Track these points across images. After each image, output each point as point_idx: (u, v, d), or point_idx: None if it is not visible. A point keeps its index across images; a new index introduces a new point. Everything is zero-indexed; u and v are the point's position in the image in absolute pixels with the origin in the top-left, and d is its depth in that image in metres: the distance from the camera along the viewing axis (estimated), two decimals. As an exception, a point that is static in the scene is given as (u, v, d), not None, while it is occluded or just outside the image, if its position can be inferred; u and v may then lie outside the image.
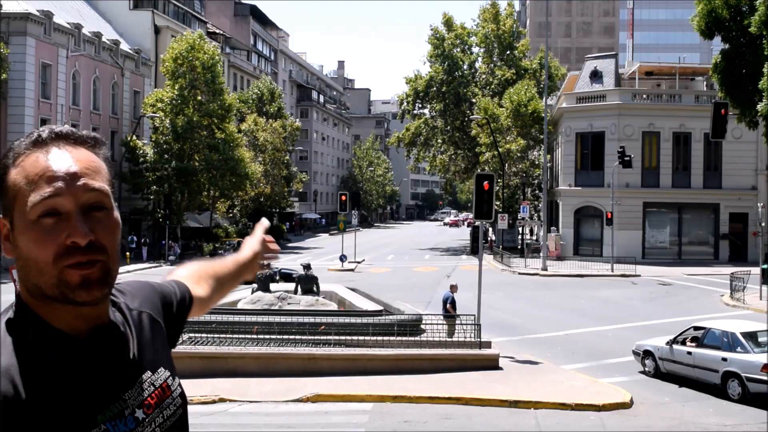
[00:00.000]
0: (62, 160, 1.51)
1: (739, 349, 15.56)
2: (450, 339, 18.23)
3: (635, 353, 18.31)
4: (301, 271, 22.29)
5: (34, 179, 1.49)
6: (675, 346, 16.96)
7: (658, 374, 17.41)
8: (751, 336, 15.89)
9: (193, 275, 2.09)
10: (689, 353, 16.51)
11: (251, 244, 2.31)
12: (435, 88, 64.15)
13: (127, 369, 1.61)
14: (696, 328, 17.23)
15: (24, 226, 1.49)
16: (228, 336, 17.62)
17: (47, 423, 1.45)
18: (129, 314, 1.71)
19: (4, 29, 42.46)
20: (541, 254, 43.24)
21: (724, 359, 15.62)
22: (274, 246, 2.38)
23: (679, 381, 16.86)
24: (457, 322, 18.73)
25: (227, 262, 2.24)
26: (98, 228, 1.50)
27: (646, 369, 17.79)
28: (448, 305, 19.43)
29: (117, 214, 1.58)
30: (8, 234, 1.53)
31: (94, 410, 1.50)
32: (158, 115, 48.43)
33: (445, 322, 18.72)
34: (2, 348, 1.49)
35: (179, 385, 1.72)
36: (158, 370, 1.67)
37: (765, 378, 14.76)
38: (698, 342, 16.54)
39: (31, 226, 1.48)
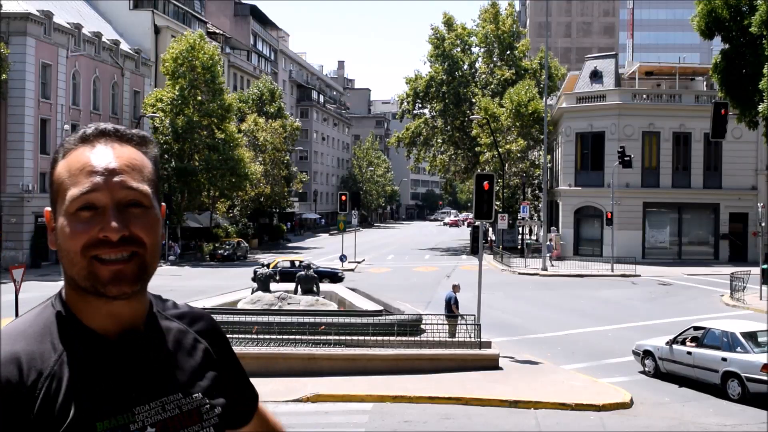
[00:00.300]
0: (104, 156, 1.54)
1: (738, 349, 15.57)
2: (450, 339, 18.23)
3: (635, 353, 18.31)
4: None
5: (75, 173, 1.53)
6: (675, 346, 16.96)
7: (658, 374, 17.41)
8: (751, 336, 15.90)
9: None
10: (689, 353, 16.52)
11: None
12: (435, 88, 64.16)
13: (149, 383, 1.57)
14: (696, 328, 17.24)
15: (62, 218, 1.52)
16: (228, 336, 17.58)
17: (43, 416, 1.44)
18: (177, 333, 1.69)
19: (4, 29, 42.48)
20: (542, 254, 43.25)
21: (724, 359, 15.63)
22: None
23: (679, 381, 16.86)
24: (461, 322, 18.74)
25: None
26: (135, 223, 1.52)
27: (646, 369, 17.78)
28: (452, 305, 19.44)
29: (157, 211, 1.58)
30: (54, 226, 1.56)
31: (95, 415, 1.47)
32: (158, 115, 48.46)
33: (447, 322, 18.71)
34: (22, 335, 1.51)
35: (220, 417, 1.66)
36: (194, 396, 1.62)
37: (765, 378, 14.76)
38: (698, 342, 16.55)
39: (69, 218, 1.51)
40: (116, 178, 1.52)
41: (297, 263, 33.55)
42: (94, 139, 1.58)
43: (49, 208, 1.59)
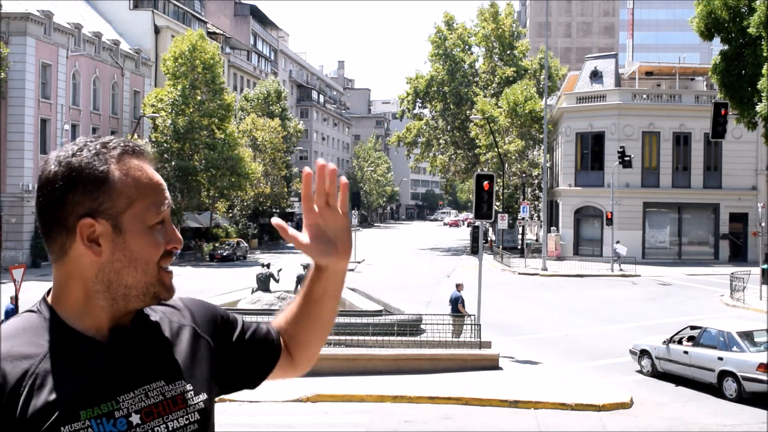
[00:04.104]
0: (154, 172, 1.67)
1: (735, 348, 15.62)
2: (450, 339, 18.24)
3: (632, 353, 18.36)
4: None
5: (146, 190, 1.61)
6: (671, 346, 17.01)
7: (655, 374, 17.44)
8: (747, 335, 15.95)
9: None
10: (685, 352, 16.56)
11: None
12: (436, 88, 64.15)
13: (133, 373, 1.61)
14: (692, 328, 17.29)
15: (141, 231, 1.60)
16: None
17: (27, 413, 1.49)
18: (164, 323, 1.74)
19: (4, 29, 42.47)
20: (542, 254, 43.24)
21: (720, 358, 15.67)
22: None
23: (676, 380, 16.90)
24: (466, 321, 18.75)
25: None
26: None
27: (643, 368, 17.83)
28: (459, 305, 19.46)
29: None
30: (104, 234, 1.57)
31: (79, 405, 1.52)
32: (159, 115, 48.46)
33: (453, 322, 18.70)
34: (9, 337, 1.56)
35: (205, 402, 1.70)
36: (177, 383, 1.66)
37: (761, 377, 14.82)
38: (694, 341, 16.59)
39: (149, 231, 1.61)
40: (167, 194, 1.67)
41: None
42: (138, 154, 1.65)
43: (91, 219, 1.56)
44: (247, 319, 1.97)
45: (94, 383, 1.55)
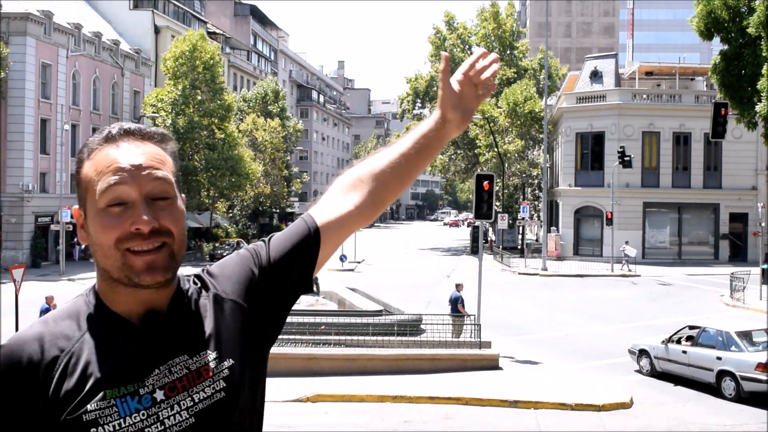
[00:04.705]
0: (129, 153, 1.63)
1: (733, 348, 15.65)
2: (450, 339, 18.24)
3: (631, 352, 18.39)
4: None
5: (103, 170, 1.61)
6: (670, 345, 17.03)
7: (654, 373, 17.46)
8: (746, 335, 15.98)
9: (340, 189, 1.95)
10: (684, 352, 16.59)
11: (444, 100, 1.97)
12: (435, 88, 64.13)
13: (160, 352, 1.64)
14: (691, 327, 17.32)
15: (94, 214, 1.61)
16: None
17: (59, 390, 1.56)
18: (194, 299, 1.74)
19: (4, 29, 42.48)
20: (542, 254, 43.24)
21: (719, 358, 15.70)
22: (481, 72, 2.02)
23: (675, 380, 16.93)
24: (466, 321, 18.75)
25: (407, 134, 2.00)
26: (163, 215, 1.61)
27: (642, 368, 17.85)
28: (459, 305, 19.46)
29: (181, 203, 1.68)
30: (83, 223, 1.66)
31: (105, 384, 1.57)
32: (159, 115, 48.46)
33: (453, 322, 18.71)
34: (54, 319, 1.65)
35: (231, 368, 1.68)
36: (201, 353, 1.66)
37: (759, 377, 14.85)
38: (693, 341, 16.62)
39: (100, 213, 1.60)
40: (143, 172, 1.61)
41: None
42: (118, 138, 1.66)
43: (77, 207, 1.68)
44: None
45: (123, 364, 1.60)
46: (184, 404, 1.61)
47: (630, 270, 40.43)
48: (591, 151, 49.53)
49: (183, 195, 1.72)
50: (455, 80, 1.98)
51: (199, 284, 1.79)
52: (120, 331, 1.63)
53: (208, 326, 1.71)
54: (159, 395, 1.60)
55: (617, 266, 40.75)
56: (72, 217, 1.74)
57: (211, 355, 1.68)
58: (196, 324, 1.71)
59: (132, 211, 1.58)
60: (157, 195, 1.61)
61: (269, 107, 66.85)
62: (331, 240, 1.88)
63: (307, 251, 1.85)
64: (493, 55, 1.99)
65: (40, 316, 1.82)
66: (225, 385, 1.66)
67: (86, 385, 1.56)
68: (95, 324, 1.64)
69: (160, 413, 1.58)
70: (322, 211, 1.91)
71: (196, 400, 1.63)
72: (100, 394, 1.56)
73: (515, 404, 14.82)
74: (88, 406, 1.55)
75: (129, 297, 1.64)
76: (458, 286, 20.04)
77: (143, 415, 1.57)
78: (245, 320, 1.76)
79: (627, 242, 42.47)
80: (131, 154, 1.62)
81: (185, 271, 1.81)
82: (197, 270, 1.85)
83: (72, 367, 1.58)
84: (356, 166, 1.99)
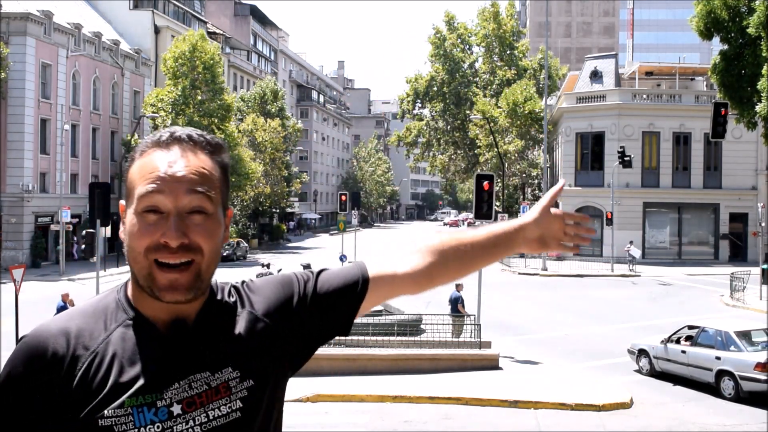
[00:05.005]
0: (173, 161, 1.61)
1: (732, 347, 15.66)
2: (450, 339, 18.25)
3: (630, 352, 18.40)
4: None
5: (145, 175, 1.60)
6: (669, 345, 17.04)
7: (653, 373, 17.47)
8: (745, 335, 16.00)
9: (406, 250, 1.94)
10: (683, 352, 16.60)
11: (533, 212, 1.99)
12: (436, 88, 64.15)
13: (182, 365, 1.63)
14: (690, 327, 17.33)
15: (131, 216, 1.61)
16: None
17: (81, 388, 1.57)
18: (225, 315, 1.72)
19: (4, 29, 42.47)
20: (541, 254, 43.22)
21: (718, 358, 15.71)
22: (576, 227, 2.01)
23: (674, 380, 16.94)
24: (466, 322, 18.74)
25: (480, 231, 1.98)
26: (196, 230, 1.58)
27: (641, 368, 17.86)
28: (459, 305, 19.46)
29: (221, 217, 1.64)
30: (125, 220, 1.65)
31: (125, 391, 1.57)
32: (158, 115, 48.47)
33: (453, 323, 18.70)
34: (81, 314, 1.66)
35: (250, 389, 1.67)
36: (223, 371, 1.65)
37: (758, 376, 14.86)
38: (692, 341, 16.63)
39: (136, 217, 1.59)
40: (181, 185, 1.58)
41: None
42: (168, 143, 1.64)
43: (123, 202, 1.67)
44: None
45: (145, 373, 1.59)
46: (198, 420, 1.61)
47: (632, 270, 40.40)
48: (591, 151, 49.52)
49: (230, 209, 1.70)
50: (555, 211, 1.98)
51: (234, 297, 1.77)
52: (146, 336, 1.63)
53: (235, 343, 1.70)
54: (176, 409, 1.59)
55: (622, 266, 40.68)
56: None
57: (233, 374, 1.66)
58: (222, 338, 1.69)
59: (164, 222, 1.57)
60: (193, 209, 1.58)
61: (268, 106, 66.83)
62: (377, 293, 1.87)
63: (353, 297, 1.84)
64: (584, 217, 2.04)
65: (56, 314, 1.80)
66: (242, 405, 1.65)
67: (106, 388, 1.56)
68: (122, 325, 1.64)
69: (174, 427, 1.58)
70: (379, 263, 1.91)
71: (211, 417, 1.62)
72: (119, 401, 1.56)
73: (515, 404, 14.82)
74: (106, 411, 1.55)
75: (156, 303, 1.63)
76: (458, 286, 20.02)
77: (158, 428, 1.57)
78: (274, 344, 1.75)
79: (632, 242, 42.43)
80: (175, 163, 1.60)
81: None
82: (237, 278, 1.84)
83: (96, 367, 1.58)
84: (434, 235, 1.97)
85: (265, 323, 1.75)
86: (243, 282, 1.83)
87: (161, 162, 1.60)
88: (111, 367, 1.58)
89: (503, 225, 1.97)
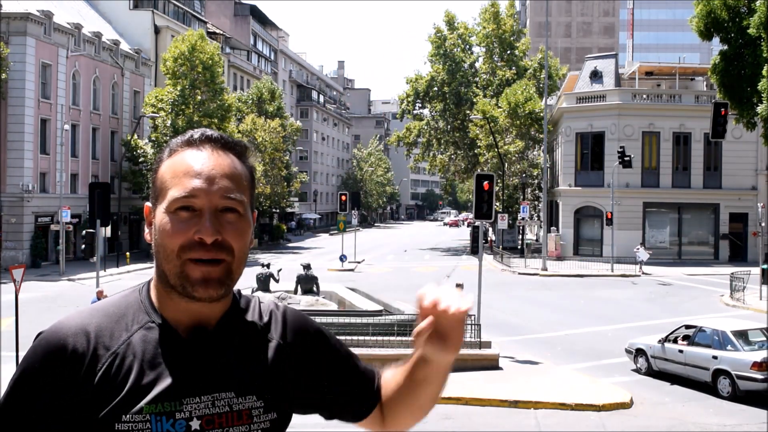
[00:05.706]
0: (207, 162, 1.62)
1: (729, 347, 15.69)
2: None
3: (628, 351, 18.41)
4: None
5: (178, 175, 1.60)
6: (667, 345, 17.07)
7: (651, 372, 17.49)
8: (742, 334, 16.04)
9: None
10: (680, 351, 16.63)
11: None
12: (436, 88, 64.11)
13: (206, 378, 1.61)
14: (687, 327, 17.36)
15: (162, 216, 1.60)
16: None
17: (100, 389, 1.55)
18: (251, 333, 1.72)
19: (4, 29, 42.47)
20: (542, 254, 43.24)
21: (715, 357, 15.75)
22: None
23: (671, 379, 16.96)
24: (468, 322, 18.73)
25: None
26: (228, 229, 1.59)
27: (639, 367, 17.88)
28: None
29: (250, 218, 1.65)
30: (152, 221, 1.64)
31: (145, 397, 1.55)
32: (158, 115, 48.47)
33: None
34: (102, 312, 1.64)
35: (272, 422, 1.66)
36: (248, 397, 1.64)
37: (755, 375, 14.89)
38: (689, 340, 16.66)
39: (169, 216, 1.58)
40: (216, 186, 1.59)
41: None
42: (199, 144, 1.65)
43: (149, 204, 1.66)
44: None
45: (166, 380, 1.57)
46: None
47: (643, 271, 40.25)
48: (591, 151, 49.53)
49: (255, 212, 1.70)
50: (424, 324, 1.66)
51: (268, 318, 1.76)
52: (166, 340, 1.61)
53: (264, 371, 1.69)
54: (195, 424, 1.57)
55: (623, 266, 40.58)
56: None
57: (257, 402, 1.65)
58: (251, 360, 1.68)
59: (198, 219, 1.57)
60: (226, 207, 1.59)
61: (266, 106, 66.80)
62: (383, 412, 1.89)
63: (371, 396, 1.88)
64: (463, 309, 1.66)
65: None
66: None
67: (125, 390, 1.55)
68: (143, 327, 1.62)
69: None
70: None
71: None
72: (138, 406, 1.54)
73: (515, 404, 14.82)
74: (124, 416, 1.53)
75: (179, 305, 1.62)
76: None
77: None
78: (297, 386, 1.75)
79: (642, 244, 42.28)
80: (209, 163, 1.61)
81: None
82: (275, 295, 1.81)
83: (116, 368, 1.56)
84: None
85: (301, 362, 1.76)
86: (284, 308, 1.82)
87: (194, 161, 1.61)
88: (131, 370, 1.56)
89: (412, 358, 1.80)
